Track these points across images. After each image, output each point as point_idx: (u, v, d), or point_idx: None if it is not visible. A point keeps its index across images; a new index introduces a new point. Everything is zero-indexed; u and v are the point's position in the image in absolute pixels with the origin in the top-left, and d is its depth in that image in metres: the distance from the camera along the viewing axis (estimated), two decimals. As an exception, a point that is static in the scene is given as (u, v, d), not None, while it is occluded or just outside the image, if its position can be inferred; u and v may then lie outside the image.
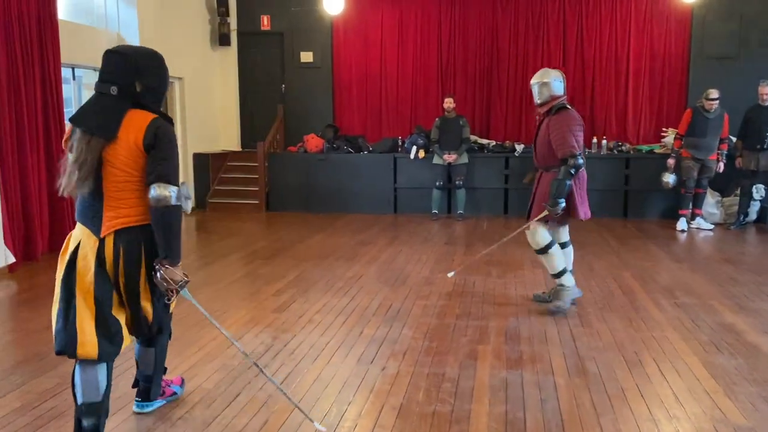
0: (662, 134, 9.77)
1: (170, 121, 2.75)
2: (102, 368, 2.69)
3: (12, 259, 6.20)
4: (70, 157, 2.63)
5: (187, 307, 5.13)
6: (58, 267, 2.71)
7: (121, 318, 2.73)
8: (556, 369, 3.71)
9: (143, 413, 3.15)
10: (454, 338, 4.25)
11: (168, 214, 2.56)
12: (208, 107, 10.88)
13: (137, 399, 3.16)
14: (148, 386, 3.10)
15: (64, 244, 2.73)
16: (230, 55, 11.21)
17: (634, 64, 10.26)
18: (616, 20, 10.25)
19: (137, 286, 2.68)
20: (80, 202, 2.69)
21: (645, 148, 9.75)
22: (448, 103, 9.44)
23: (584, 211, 4.75)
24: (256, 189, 10.15)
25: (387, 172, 9.96)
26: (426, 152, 9.70)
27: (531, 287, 5.50)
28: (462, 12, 10.72)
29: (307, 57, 11.13)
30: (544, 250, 4.74)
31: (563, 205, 4.51)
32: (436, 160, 9.43)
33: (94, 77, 8.53)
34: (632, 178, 9.38)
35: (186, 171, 10.36)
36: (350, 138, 10.44)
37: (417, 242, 7.59)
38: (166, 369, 3.21)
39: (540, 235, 4.73)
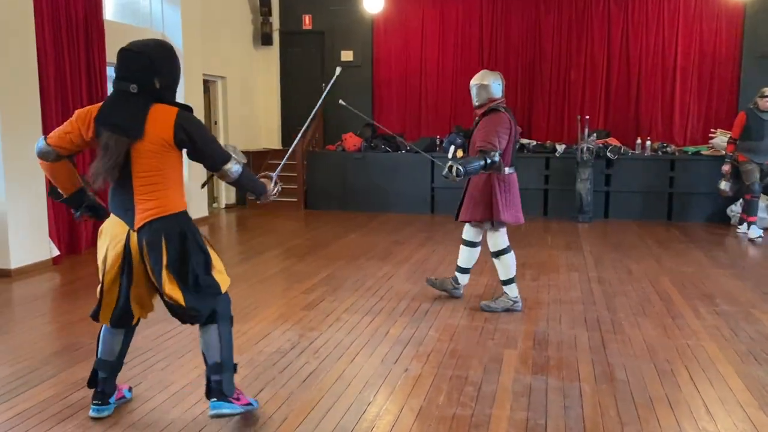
0: (710, 135, 9.44)
1: (190, 110, 2.83)
2: (119, 335, 3.04)
3: (56, 252, 6.42)
4: (100, 154, 2.71)
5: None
6: (98, 253, 2.93)
7: (146, 301, 2.99)
8: (583, 376, 3.63)
9: (222, 415, 2.94)
10: (481, 341, 4.20)
11: (242, 176, 2.91)
12: (249, 106, 11.04)
13: (212, 400, 2.96)
14: (218, 379, 2.95)
15: (99, 233, 2.93)
16: (272, 54, 11.36)
17: (682, 63, 9.97)
18: (664, 17, 9.97)
19: (160, 275, 2.78)
20: (113, 196, 2.82)
21: (691, 149, 9.45)
22: (489, 102, 9.33)
23: (512, 214, 4.76)
24: (295, 187, 10.25)
25: (424, 172, 9.92)
26: (464, 152, 9.60)
27: (565, 291, 5.40)
28: (504, 9, 10.60)
29: (347, 55, 11.18)
30: (499, 254, 4.79)
31: (461, 178, 4.28)
32: (474, 159, 9.34)
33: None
34: (677, 181, 9.10)
35: (227, 168, 10.53)
36: (388, 137, 10.44)
37: (452, 243, 7.53)
38: (236, 366, 3.07)
39: (501, 238, 4.79)
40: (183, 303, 2.84)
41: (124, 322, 3.00)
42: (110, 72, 7.65)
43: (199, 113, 9.00)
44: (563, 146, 9.58)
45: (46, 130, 6.29)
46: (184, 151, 2.81)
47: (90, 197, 3.02)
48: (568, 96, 10.44)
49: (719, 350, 4.02)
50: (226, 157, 2.86)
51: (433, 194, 9.98)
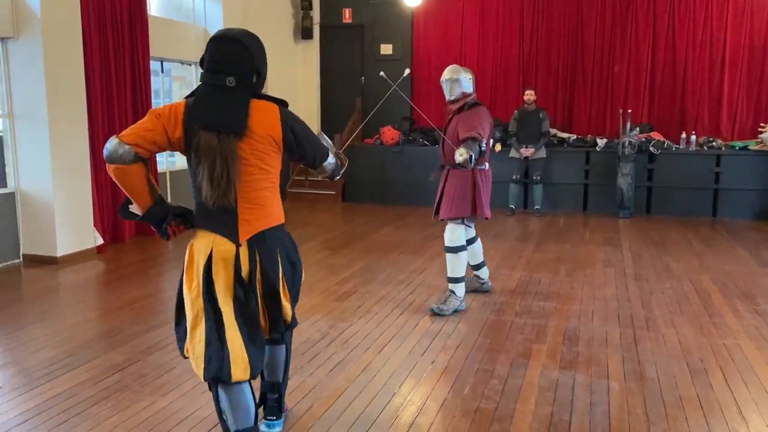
0: (760, 129, 9.12)
1: (286, 105, 2.54)
2: (247, 387, 2.47)
3: (100, 241, 6.64)
4: (201, 161, 2.32)
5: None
6: (187, 283, 2.44)
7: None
8: (612, 373, 3.58)
9: None
10: (510, 336, 4.18)
11: (335, 167, 2.81)
12: (289, 99, 10.92)
13: (267, 419, 2.84)
14: (277, 396, 2.83)
15: (188, 257, 2.44)
16: (312, 48, 11.44)
17: (731, 55, 9.63)
18: (712, 9, 9.65)
19: (277, 286, 2.48)
20: (207, 208, 2.38)
21: (738, 144, 9.14)
22: (529, 95, 9.24)
23: (486, 212, 4.70)
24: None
25: (462, 166, 9.86)
26: (502, 146, 9.54)
27: (599, 287, 5.31)
28: (545, 1, 10.43)
29: (386, 49, 11.19)
30: (454, 250, 4.65)
31: (473, 156, 4.19)
32: (512, 153, 9.27)
33: (182, 70, 9.03)
34: (723, 176, 8.82)
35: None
36: (426, 130, 10.42)
37: (487, 237, 7.47)
38: (287, 377, 2.91)
39: (457, 234, 4.66)
40: (290, 317, 2.60)
41: (264, 353, 2.54)
42: (154, 66, 7.86)
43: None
44: (604, 140, 9.39)
45: (92, 126, 6.52)
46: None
47: (172, 206, 2.51)
48: (610, 89, 10.21)
49: (757, 351, 3.91)
50: (326, 153, 2.70)
51: (470, 188, 9.90)
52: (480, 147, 4.33)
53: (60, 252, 6.18)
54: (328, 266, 6.10)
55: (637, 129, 9.04)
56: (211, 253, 2.37)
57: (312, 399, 3.25)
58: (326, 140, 2.80)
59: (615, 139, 9.29)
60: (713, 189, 8.90)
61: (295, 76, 11.33)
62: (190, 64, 8.71)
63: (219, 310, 2.36)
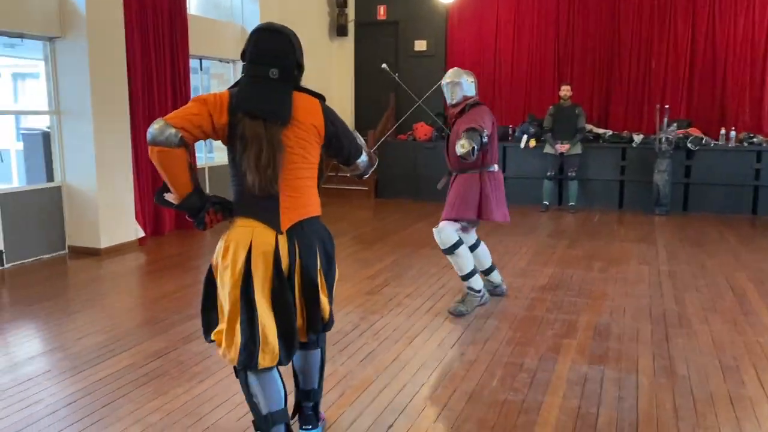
0: (803, 125, 8.91)
1: (324, 100, 2.56)
2: (275, 371, 2.49)
3: (141, 234, 6.85)
4: (246, 148, 2.30)
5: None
6: (222, 275, 2.38)
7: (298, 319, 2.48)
8: (642, 368, 3.58)
9: None
10: (540, 331, 4.20)
11: (366, 167, 2.83)
12: (324, 95, 11.27)
13: (304, 428, 2.74)
14: (314, 403, 2.77)
15: (223, 250, 2.37)
16: (347, 45, 11.55)
17: (774, 49, 9.41)
18: (754, 2, 9.43)
19: (315, 279, 2.44)
20: (248, 196, 2.35)
21: (781, 140, 8.94)
22: (565, 90, 9.18)
23: (502, 213, 4.60)
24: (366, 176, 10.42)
25: (496, 162, 9.85)
26: (537, 141, 9.50)
27: (632, 284, 5.29)
28: (582, -4, 10.33)
29: (420, 45, 11.23)
30: (451, 250, 4.48)
31: (476, 148, 4.07)
32: (547, 149, 9.22)
33: (220, 68, 9.22)
34: (765, 173, 8.64)
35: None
36: (460, 127, 10.42)
37: (520, 233, 7.50)
38: (322, 384, 2.82)
39: (446, 233, 4.47)
40: (328, 315, 2.54)
41: (296, 347, 2.47)
42: (193, 64, 8.06)
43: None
44: (641, 136, 9.28)
45: (134, 122, 6.73)
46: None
47: (210, 195, 2.47)
48: (648, 84, 10.07)
49: (792, 349, 3.86)
50: (361, 150, 2.71)
51: (505, 184, 9.86)
52: (482, 138, 4.17)
53: (103, 244, 6.41)
54: (360, 260, 6.19)
55: (675, 125, 8.91)
56: (250, 246, 2.33)
57: (343, 387, 3.35)
58: (359, 138, 2.81)
59: (652, 135, 9.17)
60: (753, 186, 8.72)
61: (329, 73, 11.44)
62: (228, 62, 8.90)
63: (255, 302, 2.33)
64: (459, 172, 4.58)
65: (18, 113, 9.53)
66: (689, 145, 8.83)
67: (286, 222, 2.36)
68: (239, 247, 2.34)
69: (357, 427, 2.94)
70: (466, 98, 4.55)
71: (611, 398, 3.21)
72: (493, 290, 4.93)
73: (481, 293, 4.57)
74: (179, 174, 2.33)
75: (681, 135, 8.93)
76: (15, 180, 8.84)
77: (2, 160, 5.90)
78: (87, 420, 3.00)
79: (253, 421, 2.53)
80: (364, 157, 2.76)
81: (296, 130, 2.36)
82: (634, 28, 10.06)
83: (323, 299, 2.49)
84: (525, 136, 9.61)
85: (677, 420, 3.00)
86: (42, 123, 7.27)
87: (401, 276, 5.54)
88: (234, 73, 8.98)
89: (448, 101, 4.62)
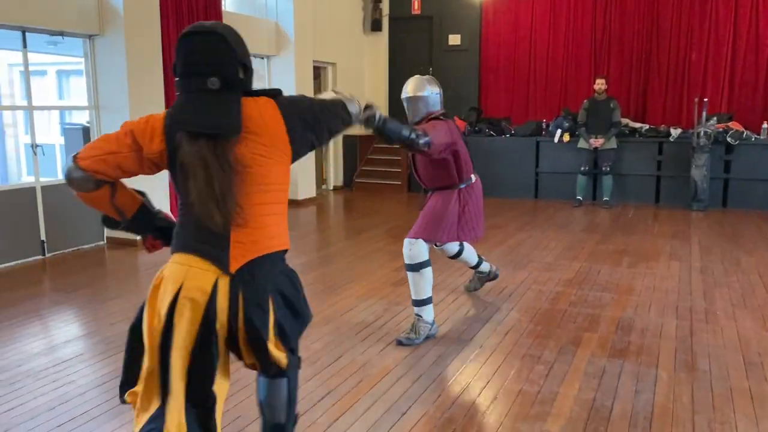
0: None
1: (280, 92, 2.05)
2: None
3: (177, 226, 7.04)
4: (191, 176, 1.85)
5: (318, 276, 5.54)
6: (148, 320, 1.92)
7: (223, 385, 2.00)
8: (662, 363, 3.55)
9: None
10: (562, 324, 4.20)
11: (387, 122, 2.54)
12: (358, 91, 11.37)
13: None
14: None
15: (153, 287, 1.93)
16: (381, 39, 11.60)
17: (820, 40, 9.09)
18: (800, -9, 9.13)
19: (265, 334, 1.92)
20: (190, 226, 1.90)
21: (827, 134, 8.64)
22: (600, 84, 9.05)
23: (476, 233, 4.11)
24: (399, 170, 10.48)
25: (529, 156, 9.80)
26: (571, 136, 9.40)
27: (661, 279, 5.22)
28: (619, -12, 10.16)
29: (455, 39, 11.21)
30: (416, 267, 3.91)
31: (375, 115, 3.03)
32: (581, 144, 9.11)
33: (255, 63, 9.37)
34: (808, 168, 8.38)
35: (336, 152, 10.98)
36: (493, 120, 10.40)
37: (551, 228, 7.45)
38: (297, 417, 2.32)
39: (417, 248, 3.92)
40: (285, 364, 2.02)
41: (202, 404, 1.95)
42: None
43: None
44: (678, 130, 9.09)
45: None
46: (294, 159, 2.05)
47: (159, 216, 2.17)
48: (687, 78, 9.84)
49: (822, 347, 3.77)
50: (341, 103, 2.19)
51: (537, 179, 9.84)
52: (413, 135, 3.43)
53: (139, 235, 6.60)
54: (389, 253, 6.25)
55: (714, 119, 8.70)
56: (179, 289, 1.85)
57: (361, 375, 3.41)
58: (341, 94, 2.27)
59: (690, 129, 8.98)
60: (796, 182, 8.46)
61: (363, 68, 11.52)
62: (263, 58, 9.04)
63: (169, 362, 1.85)
64: (435, 190, 4.08)
65: (59, 108, 9.91)
66: (729, 139, 8.62)
67: (237, 260, 1.87)
68: (167, 290, 1.86)
69: (371, 414, 3.00)
70: (429, 114, 3.90)
71: (628, 391, 3.20)
72: (487, 275, 4.80)
73: (431, 324, 3.95)
74: (110, 211, 2.07)
75: (720, 129, 8.72)
76: (59, 173, 9.19)
77: (43, 154, 6.12)
78: (114, 401, 3.13)
79: None
80: (353, 107, 2.22)
81: (252, 145, 1.89)
82: (674, 18, 9.85)
83: (275, 353, 1.97)
84: (559, 131, 9.52)
85: (693, 414, 2.97)
86: (84, 119, 7.54)
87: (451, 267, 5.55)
88: (268, 68, 9.14)
89: (409, 119, 3.92)
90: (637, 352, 3.70)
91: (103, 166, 1.89)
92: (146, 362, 1.91)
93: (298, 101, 2.07)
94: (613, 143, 8.97)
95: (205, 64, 1.89)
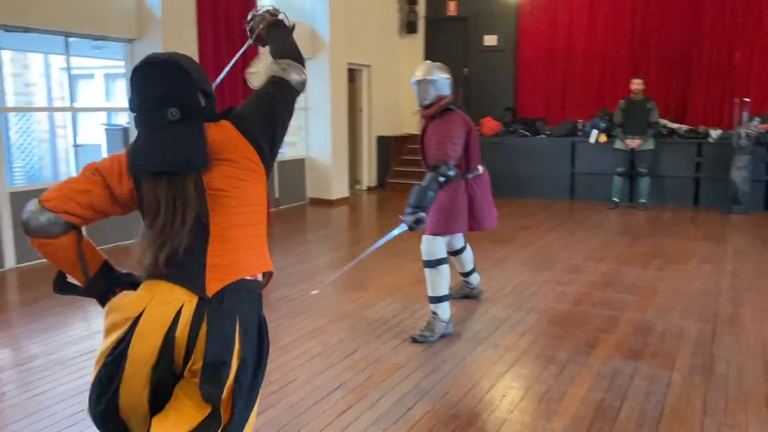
0: None
1: (232, 110, 1.93)
2: None
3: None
4: (157, 212, 1.72)
5: (315, 274, 5.56)
6: (107, 335, 1.69)
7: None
8: (679, 365, 3.51)
9: None
10: (580, 325, 4.17)
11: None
12: (393, 93, 11.43)
13: None
14: None
15: (115, 311, 1.71)
16: (417, 41, 11.64)
17: None
18: None
19: (221, 376, 1.64)
20: (169, 261, 1.71)
21: None
22: (637, 84, 8.89)
23: (490, 222, 4.20)
24: (433, 171, 10.50)
25: (564, 157, 9.70)
26: (608, 137, 9.26)
27: (689, 282, 5.12)
28: (659, -14, 9.97)
29: (490, 40, 11.18)
30: (434, 264, 4.01)
31: (423, 215, 3.59)
32: (618, 145, 8.98)
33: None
34: None
35: (370, 153, 11.07)
36: (528, 121, 10.33)
37: (582, 230, 7.37)
38: None
39: (435, 244, 4.02)
40: (227, 421, 1.68)
41: None
42: (263, 62, 8.40)
43: (342, 101, 9.56)
44: (718, 131, 8.86)
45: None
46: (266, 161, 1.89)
47: (122, 273, 1.92)
48: (730, 78, 9.58)
49: None
50: (281, 82, 1.98)
51: (573, 180, 9.73)
52: (441, 179, 3.68)
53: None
54: (416, 252, 6.26)
55: (757, 119, 8.45)
56: (138, 317, 1.65)
57: (372, 370, 3.48)
58: (277, 64, 2.03)
59: (731, 130, 8.74)
60: None
61: (399, 71, 11.57)
62: (298, 60, 9.20)
63: (118, 385, 1.64)
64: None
65: (100, 110, 10.30)
66: (771, 140, 8.36)
67: (214, 284, 1.72)
68: (122, 308, 1.69)
69: (377, 407, 3.06)
70: (440, 98, 4.02)
71: (639, 393, 3.18)
72: (470, 291, 4.74)
73: (447, 322, 4.01)
74: (71, 264, 1.81)
75: (764, 130, 8.46)
76: (72, 171, 9.56)
77: (84, 153, 6.39)
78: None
79: None
80: (296, 76, 2.03)
81: (224, 170, 1.79)
82: (716, 16, 9.60)
83: (225, 398, 1.67)
84: (594, 131, 9.40)
85: (704, 416, 2.94)
86: (125, 120, 7.82)
87: (451, 268, 5.58)
88: (306, 70, 9.28)
89: (419, 102, 4.09)
90: (653, 354, 3.66)
91: (72, 204, 1.72)
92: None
93: (246, 114, 1.89)
94: (650, 144, 8.81)
95: (163, 95, 1.77)
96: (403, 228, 3.65)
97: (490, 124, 10.31)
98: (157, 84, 1.76)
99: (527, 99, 11.11)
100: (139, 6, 6.59)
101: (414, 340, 3.89)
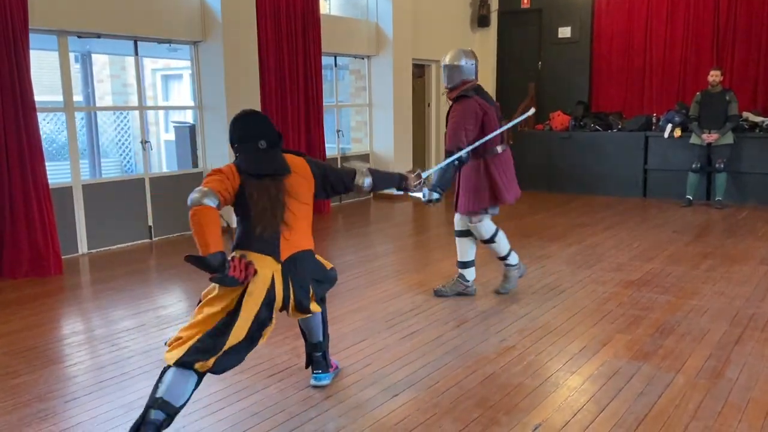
0: None
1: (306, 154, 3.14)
2: (193, 379, 2.67)
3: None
4: (259, 204, 2.76)
5: (389, 262, 5.75)
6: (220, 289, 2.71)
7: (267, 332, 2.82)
8: (687, 368, 3.38)
9: (322, 386, 3.23)
10: (600, 324, 4.09)
11: (375, 181, 3.20)
12: (464, 87, 11.40)
13: (315, 372, 3.26)
14: (322, 353, 3.25)
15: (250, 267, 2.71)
16: (489, 35, 11.52)
17: None
18: None
19: (306, 304, 2.89)
20: (251, 236, 2.77)
21: None
22: (714, 76, 8.39)
23: (513, 194, 4.59)
24: (500, 166, 10.39)
25: (637, 152, 9.32)
26: (683, 131, 8.82)
27: (735, 285, 4.86)
28: (746, -30, 9.33)
29: (564, 32, 10.89)
30: (491, 239, 4.61)
31: (436, 196, 4.33)
32: (693, 139, 8.53)
33: (356, 63, 9.75)
34: None
35: (438, 149, 11.10)
36: (600, 115, 10.00)
37: (642, 228, 7.09)
38: (329, 336, 3.30)
39: (484, 226, 4.58)
40: (316, 311, 3.01)
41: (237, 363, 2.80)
42: (328, 61, 8.65)
43: (406, 97, 9.67)
44: (808, 124, 8.21)
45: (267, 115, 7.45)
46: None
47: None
48: (826, 65, 8.85)
49: None
50: (352, 173, 3.12)
51: (645, 176, 9.33)
52: (456, 162, 4.26)
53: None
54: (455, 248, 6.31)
55: None
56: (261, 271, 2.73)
57: (373, 358, 3.60)
58: (356, 166, 3.17)
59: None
60: None
61: (470, 64, 11.51)
62: (363, 58, 9.41)
63: (237, 318, 2.66)
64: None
65: (168, 109, 11.01)
66: None
67: (285, 251, 2.81)
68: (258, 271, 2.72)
69: (363, 394, 3.18)
70: (465, 82, 4.41)
71: (631, 394, 3.10)
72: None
73: (468, 284, 4.70)
74: (214, 231, 2.59)
75: None
76: (163, 166, 10.27)
77: (152, 148, 6.89)
78: (150, 365, 3.57)
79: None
80: (366, 179, 3.15)
81: (295, 179, 2.90)
82: (811, 1, 8.88)
83: (314, 307, 2.98)
84: (669, 125, 8.97)
85: (691, 420, 2.84)
86: (184, 118, 8.29)
87: (487, 264, 5.53)
88: (368, 68, 9.49)
89: (445, 84, 4.51)
90: (663, 356, 3.54)
91: (222, 187, 2.70)
92: (200, 317, 2.70)
93: (318, 162, 3.10)
94: (728, 138, 8.30)
95: (257, 132, 2.89)
96: (420, 197, 4.31)
97: (560, 119, 10.08)
98: (252, 126, 2.91)
99: (603, 92, 10.74)
100: (204, 11, 7.00)
101: (436, 294, 4.67)
